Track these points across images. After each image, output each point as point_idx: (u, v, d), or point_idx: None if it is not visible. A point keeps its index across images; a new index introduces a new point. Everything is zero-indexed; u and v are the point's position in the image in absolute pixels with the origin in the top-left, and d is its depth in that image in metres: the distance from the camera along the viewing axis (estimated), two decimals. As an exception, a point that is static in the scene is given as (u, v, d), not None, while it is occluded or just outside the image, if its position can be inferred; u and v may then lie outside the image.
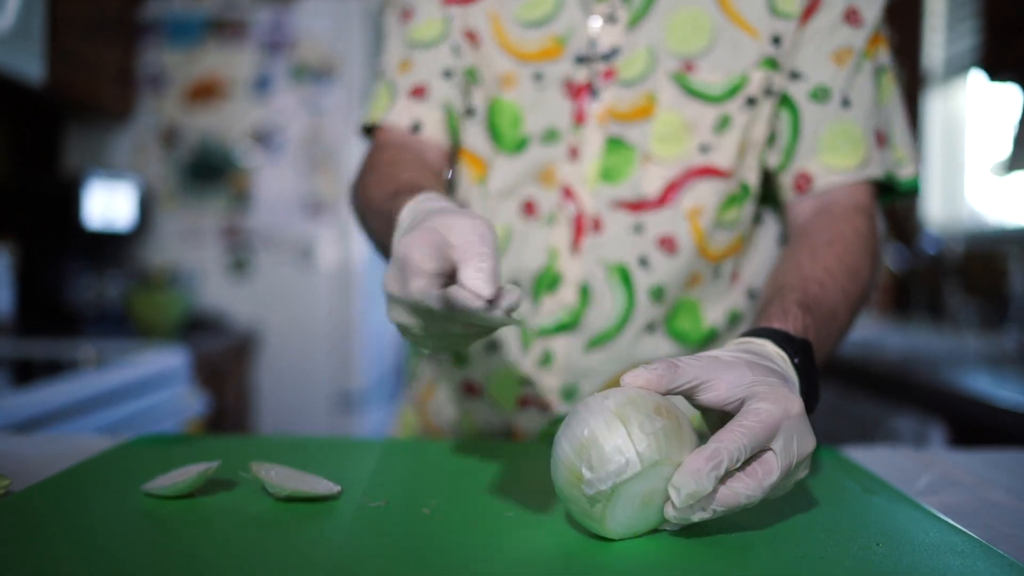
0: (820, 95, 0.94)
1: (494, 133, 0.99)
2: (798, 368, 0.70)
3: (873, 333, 2.70)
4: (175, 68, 3.05)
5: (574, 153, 0.96)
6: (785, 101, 0.95)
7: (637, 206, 0.95)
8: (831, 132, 0.93)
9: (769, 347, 0.70)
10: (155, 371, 2.06)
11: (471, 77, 1.00)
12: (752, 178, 0.97)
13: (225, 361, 2.75)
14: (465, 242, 0.59)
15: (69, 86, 2.51)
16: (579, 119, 0.96)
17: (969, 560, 0.57)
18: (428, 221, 0.62)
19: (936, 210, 3.28)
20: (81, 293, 2.70)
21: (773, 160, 0.97)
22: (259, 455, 0.80)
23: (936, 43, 3.24)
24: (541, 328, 0.98)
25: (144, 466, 0.78)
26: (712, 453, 0.57)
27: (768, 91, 0.94)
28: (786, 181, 0.96)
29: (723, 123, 0.94)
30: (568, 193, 0.96)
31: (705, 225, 0.95)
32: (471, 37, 1.00)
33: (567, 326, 0.98)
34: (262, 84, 3.05)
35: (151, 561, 0.56)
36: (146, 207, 3.03)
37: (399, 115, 1.00)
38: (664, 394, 0.62)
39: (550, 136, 0.97)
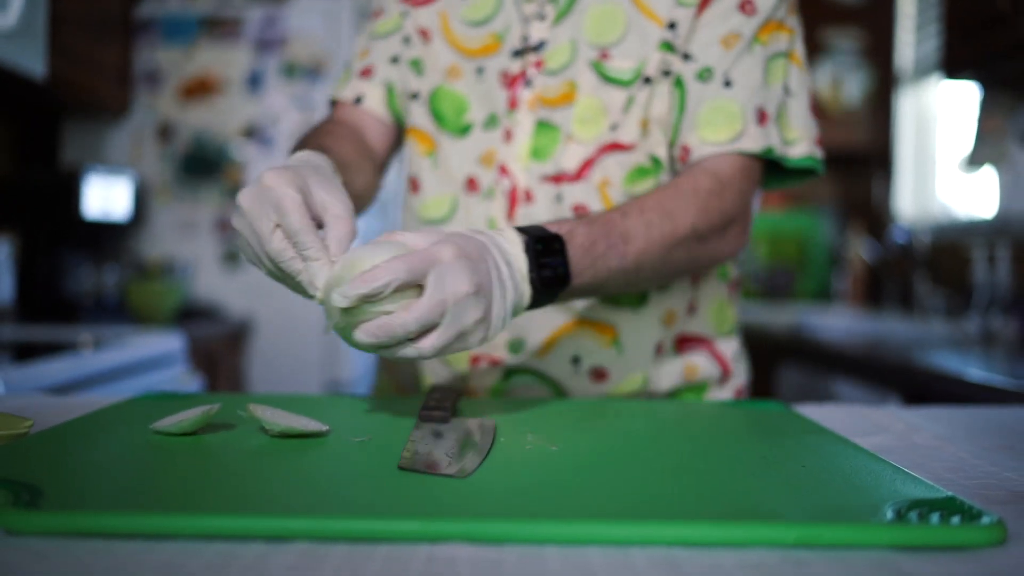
0: (704, 75, 1.02)
1: (437, 116, 1.12)
2: (528, 247, 0.82)
3: (845, 322, 2.80)
4: (170, 65, 3.12)
5: (508, 135, 1.07)
6: (677, 82, 1.03)
7: (558, 179, 1.06)
8: (709, 109, 1.01)
9: (496, 235, 0.82)
10: (153, 353, 2.13)
11: (416, 68, 1.14)
12: (662, 152, 1.06)
13: (219, 349, 2.82)
14: (328, 201, 0.80)
15: (69, 82, 2.58)
16: (512, 105, 1.07)
17: (883, 479, 0.65)
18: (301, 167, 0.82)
19: (907, 204, 3.38)
20: (80, 283, 2.77)
21: (667, 135, 1.06)
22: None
23: (907, 43, 3.34)
24: None
25: (151, 414, 0.85)
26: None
27: (666, 72, 1.03)
28: (675, 154, 1.05)
29: (628, 103, 1.04)
30: (503, 170, 1.07)
31: (614, 195, 1.05)
32: (423, 34, 1.13)
33: None
34: (254, 81, 3.12)
35: (162, 484, 0.64)
36: (142, 200, 3.10)
37: (348, 91, 1.18)
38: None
39: (491, 122, 1.09)
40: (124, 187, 2.93)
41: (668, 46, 1.03)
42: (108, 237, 3.01)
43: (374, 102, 1.16)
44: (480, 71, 1.09)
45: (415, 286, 0.74)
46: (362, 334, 0.74)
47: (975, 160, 2.62)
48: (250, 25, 3.12)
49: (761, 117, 1.01)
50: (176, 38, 3.12)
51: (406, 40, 1.15)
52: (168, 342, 2.24)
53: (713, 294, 1.14)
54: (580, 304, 1.07)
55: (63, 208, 2.70)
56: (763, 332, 2.78)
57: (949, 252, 2.90)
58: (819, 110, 1.08)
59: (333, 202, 0.80)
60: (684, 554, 0.50)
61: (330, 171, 0.89)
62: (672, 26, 1.02)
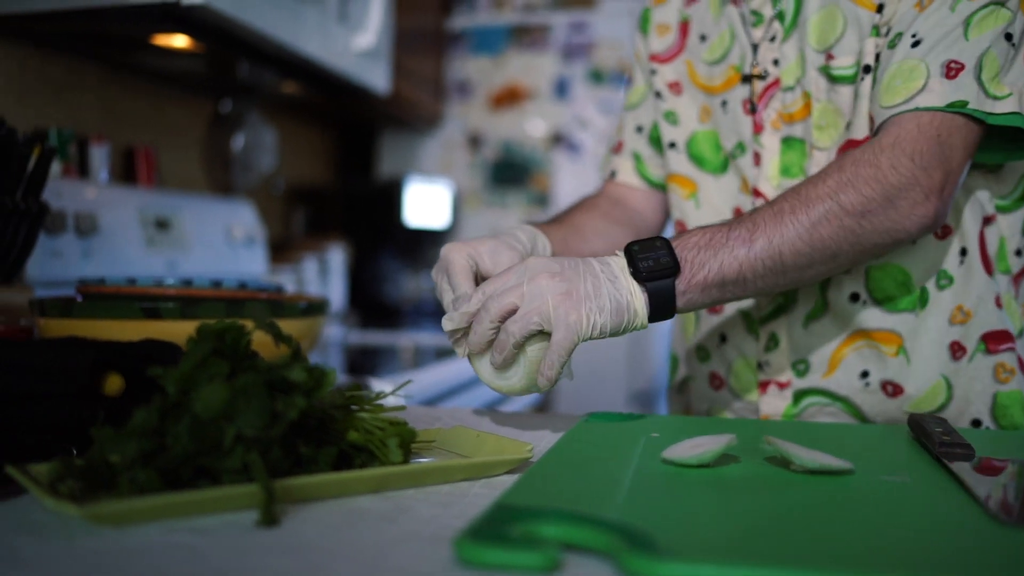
0: (894, 41, 0.95)
1: (697, 160, 1.17)
2: (625, 250, 0.88)
3: None
4: (480, 75, 3.21)
5: (757, 158, 1.09)
6: (877, 58, 0.99)
7: None
8: (891, 73, 0.94)
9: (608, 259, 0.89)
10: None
11: (670, 119, 1.20)
12: None
13: (530, 355, 2.85)
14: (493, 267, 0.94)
15: (399, 96, 2.70)
16: (757, 129, 1.09)
17: None
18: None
19: None
20: (399, 289, 2.90)
21: None
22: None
23: None
24: (761, 315, 1.11)
25: (619, 437, 0.86)
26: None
27: (879, 56, 0.98)
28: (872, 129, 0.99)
29: (856, 97, 1.01)
30: (757, 193, 1.09)
31: None
32: (673, 87, 1.19)
33: (783, 308, 1.09)
34: (561, 88, 3.14)
35: (752, 528, 0.61)
36: (456, 208, 3.20)
37: (606, 168, 1.30)
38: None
39: (739, 149, 1.12)
40: (441, 195, 3.03)
41: (877, 30, 0.99)
42: (424, 244, 3.12)
43: (626, 174, 1.27)
44: (724, 104, 1.13)
45: None
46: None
47: None
48: (557, 32, 3.14)
49: (951, 70, 0.90)
50: (485, 48, 3.19)
51: (657, 95, 1.21)
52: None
53: (999, 287, 1.04)
54: (856, 315, 1.05)
55: (384, 216, 2.83)
56: None
57: None
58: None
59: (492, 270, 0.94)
60: None
61: (523, 241, 1.00)
62: (880, 8, 0.98)
